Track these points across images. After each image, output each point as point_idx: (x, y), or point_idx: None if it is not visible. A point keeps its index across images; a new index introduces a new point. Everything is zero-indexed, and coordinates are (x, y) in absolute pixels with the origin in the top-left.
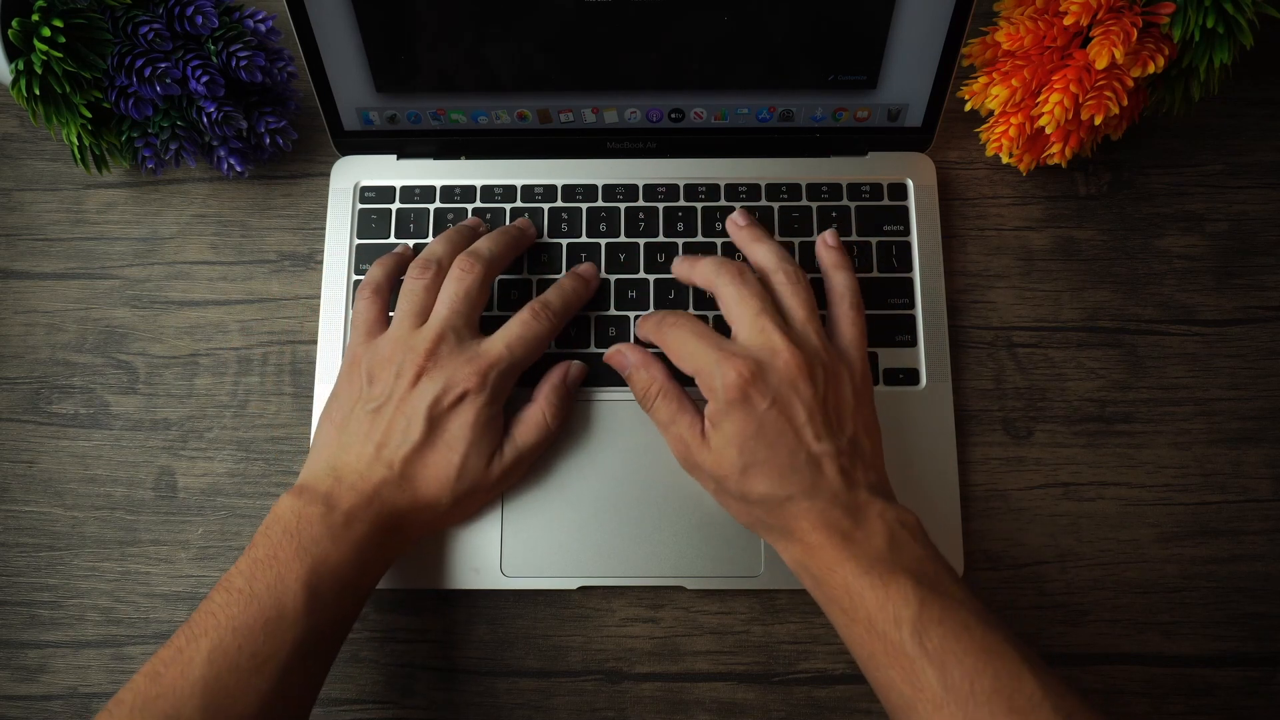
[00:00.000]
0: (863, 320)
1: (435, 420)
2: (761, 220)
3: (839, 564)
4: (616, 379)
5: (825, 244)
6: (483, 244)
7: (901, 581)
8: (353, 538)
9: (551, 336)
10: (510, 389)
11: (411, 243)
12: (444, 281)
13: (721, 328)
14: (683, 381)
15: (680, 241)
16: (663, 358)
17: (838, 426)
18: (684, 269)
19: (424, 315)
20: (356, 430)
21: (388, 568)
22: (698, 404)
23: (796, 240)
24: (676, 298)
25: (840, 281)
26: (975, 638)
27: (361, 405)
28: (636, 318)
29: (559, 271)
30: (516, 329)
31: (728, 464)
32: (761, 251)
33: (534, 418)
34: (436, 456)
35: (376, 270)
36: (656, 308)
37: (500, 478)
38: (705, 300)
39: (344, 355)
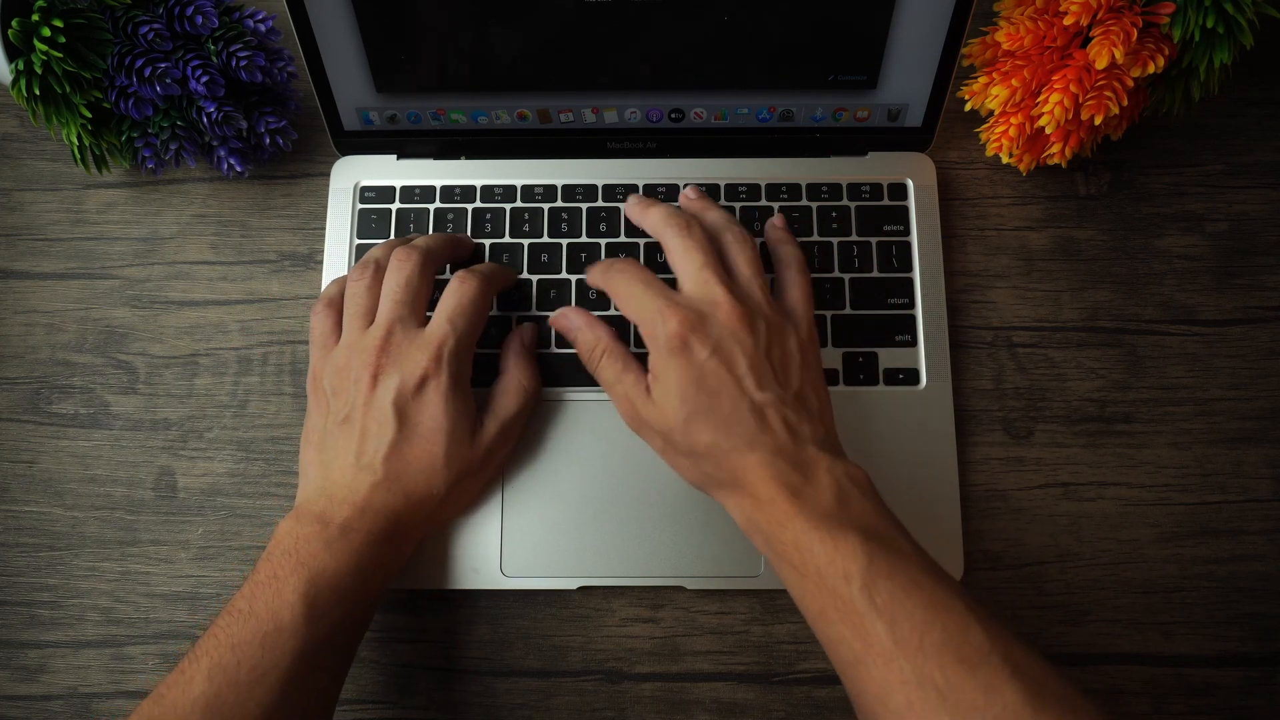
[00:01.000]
0: (809, 284)
1: (404, 413)
2: (762, 220)
3: (788, 519)
4: None
5: (773, 225)
6: (418, 239)
7: (850, 537)
8: (350, 547)
9: (485, 300)
10: (469, 363)
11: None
12: (385, 277)
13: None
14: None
15: None
16: (611, 321)
17: (782, 379)
18: (635, 211)
19: (370, 315)
20: (333, 445)
21: (392, 574)
22: (643, 364)
23: (796, 240)
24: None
25: (787, 252)
26: (924, 591)
27: (332, 420)
28: (585, 260)
29: (559, 272)
30: (450, 300)
31: (671, 415)
32: (712, 215)
33: (510, 385)
34: (417, 449)
35: (331, 286)
36: None
37: (488, 453)
38: None
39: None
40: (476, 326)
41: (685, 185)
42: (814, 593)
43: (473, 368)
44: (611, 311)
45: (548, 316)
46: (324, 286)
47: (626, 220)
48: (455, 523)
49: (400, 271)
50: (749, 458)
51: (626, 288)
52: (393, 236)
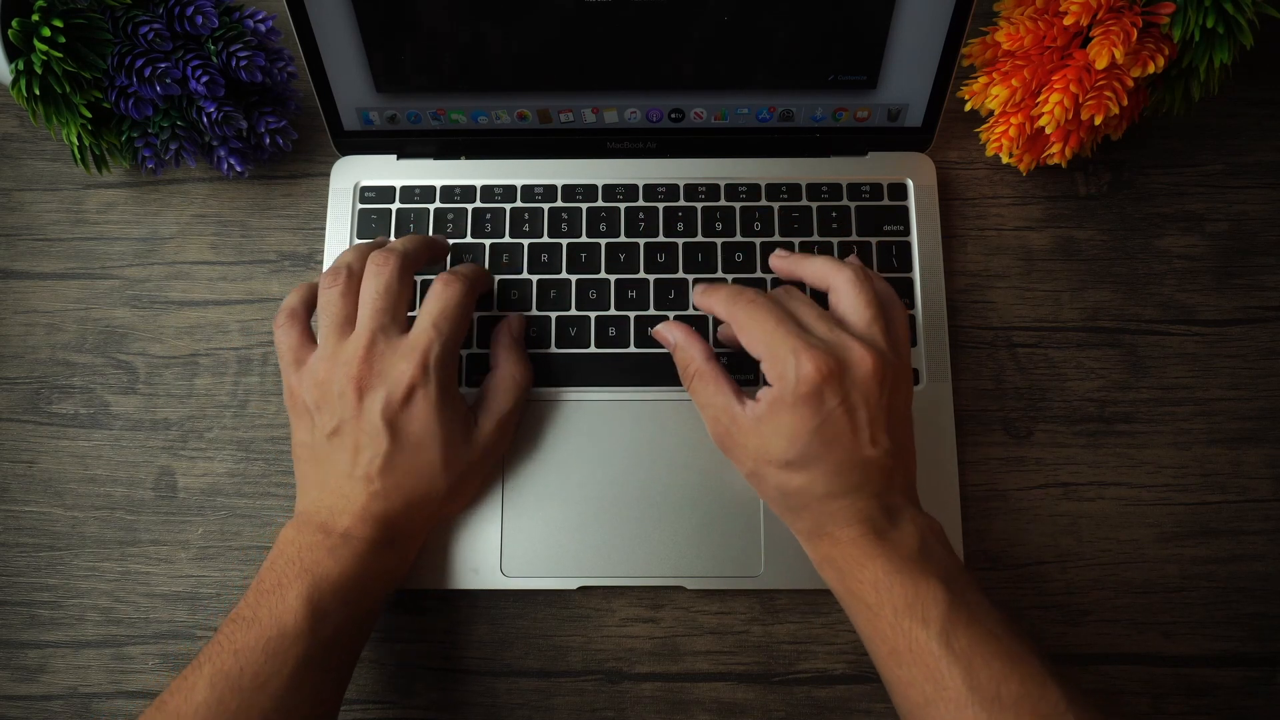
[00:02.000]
0: (907, 321)
1: (395, 425)
2: (761, 220)
3: (869, 559)
4: (617, 379)
5: (853, 265)
6: (393, 241)
7: (932, 582)
8: (352, 552)
9: (469, 302)
10: (455, 366)
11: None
12: (362, 283)
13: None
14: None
15: (680, 241)
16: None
17: (892, 431)
18: (786, 265)
19: (348, 324)
20: (327, 459)
21: (398, 576)
22: (739, 386)
23: (796, 240)
24: (676, 298)
25: (882, 287)
26: (1002, 644)
27: (319, 435)
28: (694, 282)
29: (559, 272)
30: (435, 304)
31: (775, 452)
32: (811, 268)
33: (503, 380)
34: (412, 459)
35: (291, 296)
36: (656, 308)
37: (486, 451)
38: None
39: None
40: (461, 330)
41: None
42: (887, 633)
43: (458, 369)
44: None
45: (549, 316)
46: None
47: (626, 220)
48: (456, 521)
49: (379, 277)
50: (842, 502)
51: (756, 322)
52: (393, 237)
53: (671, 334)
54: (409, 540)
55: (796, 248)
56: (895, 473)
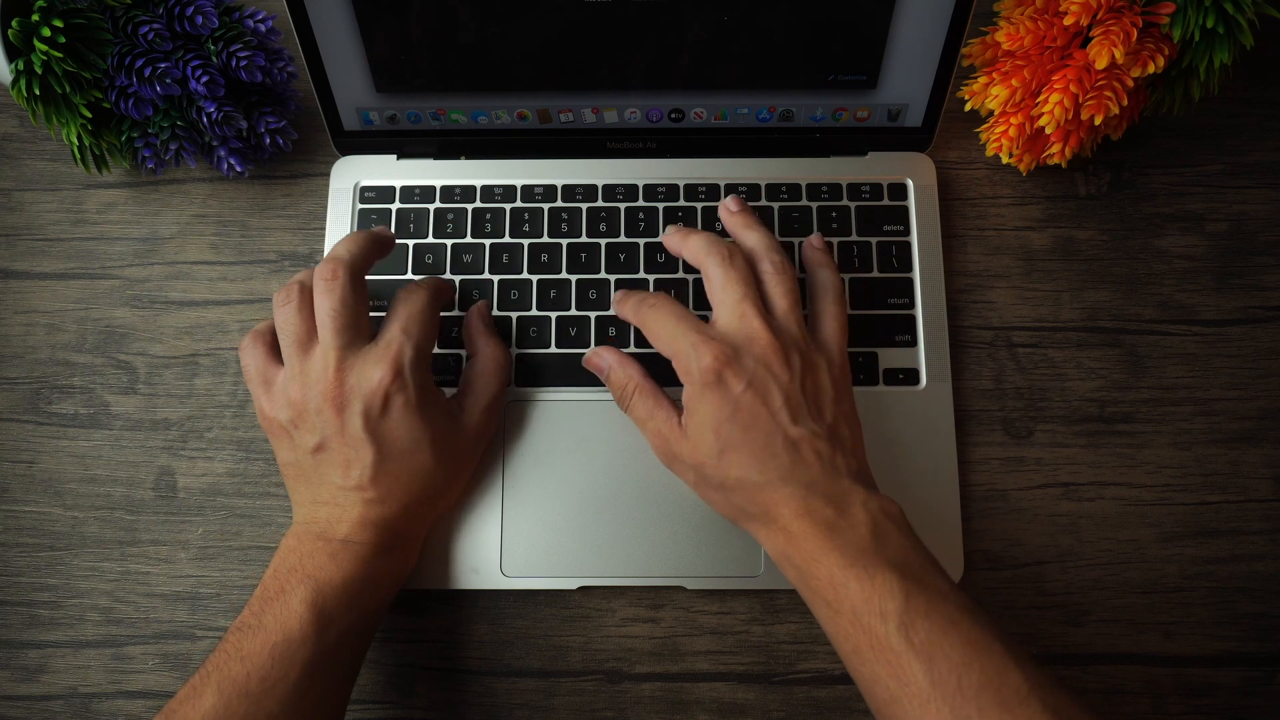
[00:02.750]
0: (845, 316)
1: (378, 435)
2: (761, 220)
3: (823, 555)
4: None
5: (812, 245)
6: (339, 247)
7: (887, 574)
8: (354, 556)
9: (435, 308)
10: (429, 367)
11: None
12: (315, 300)
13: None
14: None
15: None
16: (641, 357)
17: (815, 412)
18: (675, 240)
19: (310, 340)
20: (315, 475)
21: (402, 576)
22: (675, 401)
23: (796, 240)
24: (676, 296)
25: (824, 278)
26: (962, 631)
27: (303, 453)
28: (615, 288)
29: (559, 272)
30: (402, 310)
31: (705, 449)
32: (752, 238)
33: (485, 365)
34: (402, 464)
35: (260, 325)
36: None
37: (478, 436)
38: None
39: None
40: (431, 334)
41: (726, 195)
42: (848, 630)
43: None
44: (634, 347)
45: (549, 316)
46: None
47: (626, 220)
48: (456, 521)
49: (332, 293)
50: (782, 491)
51: (659, 323)
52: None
53: (603, 359)
54: (410, 539)
55: (796, 247)
56: (835, 455)
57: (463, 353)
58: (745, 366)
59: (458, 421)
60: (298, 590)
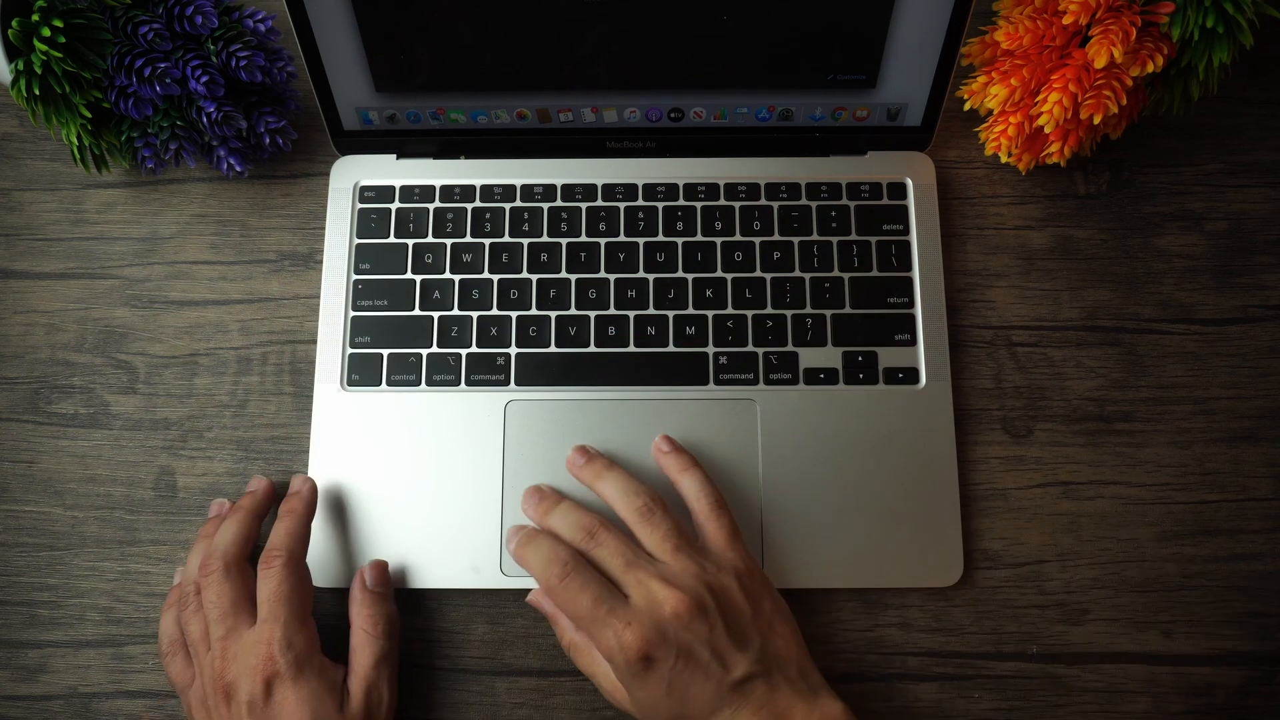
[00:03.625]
0: (728, 517)
1: None
2: (761, 219)
3: None
4: (617, 379)
5: (660, 451)
6: (217, 536)
7: None
8: None
9: (293, 575)
10: (310, 639)
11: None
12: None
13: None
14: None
15: (680, 241)
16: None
17: (741, 644)
18: (534, 514)
19: (207, 638)
20: None
21: None
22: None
23: (796, 239)
24: (675, 297)
25: (691, 486)
26: None
27: None
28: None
29: (559, 271)
30: (263, 592)
31: (651, 716)
32: (606, 489)
33: (357, 640)
34: None
35: (165, 622)
36: (655, 307)
37: (366, 711)
38: (705, 300)
39: None
40: (302, 602)
41: (572, 450)
42: None
43: (316, 639)
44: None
45: (549, 316)
46: (323, 291)
47: (626, 219)
48: (456, 521)
49: (209, 588)
50: (725, 713)
51: (573, 604)
52: (393, 236)
53: (543, 605)
54: None
55: (796, 247)
56: (772, 672)
57: None
58: (670, 642)
59: (341, 699)
60: None
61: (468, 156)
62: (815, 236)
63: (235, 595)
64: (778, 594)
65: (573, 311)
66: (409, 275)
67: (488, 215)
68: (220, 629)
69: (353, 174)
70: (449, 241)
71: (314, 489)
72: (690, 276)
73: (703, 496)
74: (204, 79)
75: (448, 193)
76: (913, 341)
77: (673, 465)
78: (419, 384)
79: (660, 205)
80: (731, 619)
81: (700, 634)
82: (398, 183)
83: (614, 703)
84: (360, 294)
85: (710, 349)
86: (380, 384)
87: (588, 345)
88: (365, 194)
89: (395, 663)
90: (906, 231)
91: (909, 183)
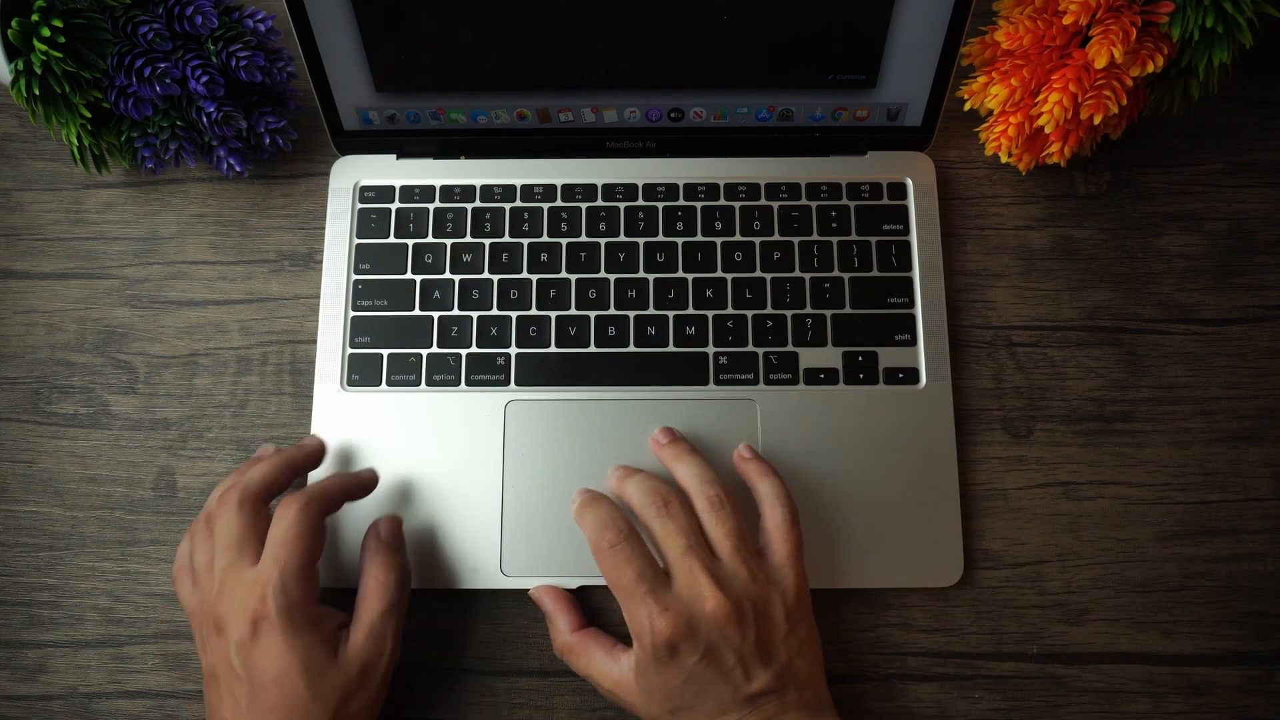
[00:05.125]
0: (798, 533)
1: (249, 664)
2: (761, 219)
3: None
4: (616, 379)
5: (741, 457)
6: (248, 473)
7: None
8: None
9: (311, 521)
10: (306, 589)
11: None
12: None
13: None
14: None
15: (680, 241)
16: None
17: (768, 659)
18: (614, 483)
19: (212, 568)
20: (211, 706)
21: None
22: (614, 637)
23: (796, 240)
24: (675, 297)
25: (765, 491)
26: None
27: (205, 680)
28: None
29: (559, 271)
30: (273, 532)
31: (655, 708)
32: (683, 471)
33: (368, 586)
34: (273, 696)
35: (181, 549)
36: (655, 307)
37: (362, 665)
38: (705, 305)
39: None
40: (305, 551)
41: (657, 429)
42: None
43: (315, 591)
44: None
45: (549, 316)
46: (323, 291)
47: (626, 219)
48: (456, 521)
49: (221, 518)
50: None
51: (616, 573)
52: (393, 236)
53: (542, 602)
54: None
55: (796, 247)
56: (786, 692)
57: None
58: (700, 638)
59: (336, 648)
60: None
61: (468, 156)
62: (815, 236)
63: (245, 530)
64: (814, 621)
65: (573, 311)
66: (409, 275)
67: (488, 215)
68: (224, 559)
69: (353, 174)
70: (449, 241)
71: (372, 479)
72: (690, 276)
73: (778, 504)
74: (204, 79)
75: (448, 193)
76: (913, 341)
77: (754, 470)
78: (419, 384)
79: (660, 205)
80: (764, 633)
81: (732, 640)
82: (398, 183)
83: (613, 702)
84: (360, 294)
85: (710, 349)
86: (380, 384)
87: (588, 345)
88: (365, 194)
89: (402, 617)
90: (906, 231)
91: (909, 183)
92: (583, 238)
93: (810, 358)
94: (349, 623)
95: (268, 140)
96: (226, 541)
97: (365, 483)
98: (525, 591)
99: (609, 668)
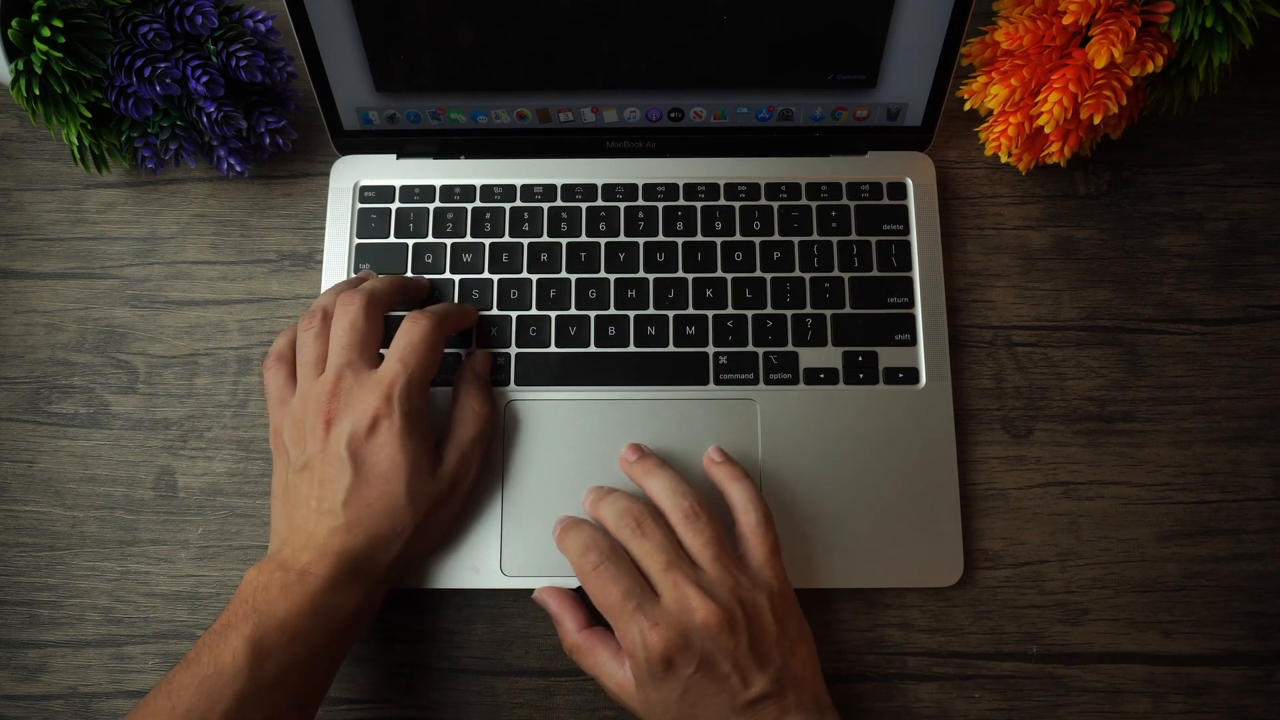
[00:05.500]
0: (773, 534)
1: (359, 457)
2: (761, 219)
3: None
4: (616, 379)
5: (712, 461)
6: (366, 283)
7: None
8: (306, 590)
9: (437, 338)
10: (424, 400)
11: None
12: (332, 321)
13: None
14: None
15: (680, 240)
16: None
17: (763, 662)
18: (588, 504)
19: (321, 363)
20: (295, 494)
21: (355, 617)
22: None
23: (796, 239)
24: (675, 297)
25: (737, 494)
26: None
27: (292, 470)
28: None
29: (559, 271)
30: (401, 339)
31: (658, 718)
32: (654, 486)
33: (464, 412)
34: (375, 491)
35: (279, 339)
36: (655, 307)
37: (452, 482)
38: (704, 301)
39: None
40: (429, 364)
41: (625, 447)
42: None
43: (428, 404)
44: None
45: (549, 315)
46: (323, 288)
47: (626, 219)
48: (456, 521)
49: (345, 315)
50: None
51: (603, 594)
52: (393, 236)
53: (547, 603)
54: (372, 579)
55: (796, 247)
56: (785, 694)
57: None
58: (694, 649)
59: (434, 464)
60: (241, 626)
61: (468, 156)
62: (815, 236)
63: (367, 333)
64: (803, 617)
65: (573, 311)
66: (409, 276)
67: (488, 215)
68: (341, 357)
69: (353, 174)
70: (449, 241)
71: (475, 315)
72: (690, 276)
73: (751, 508)
74: (204, 79)
75: (448, 193)
76: (913, 341)
77: (724, 474)
78: None
79: (660, 205)
80: (757, 636)
81: (725, 647)
82: (398, 183)
83: (618, 703)
84: None
85: (710, 349)
86: None
87: (588, 345)
88: (365, 194)
89: (486, 448)
90: (906, 231)
91: (909, 183)
92: (583, 238)
93: (810, 358)
94: (440, 444)
95: (268, 140)
96: (348, 342)
97: (471, 317)
98: (525, 591)
99: (614, 670)
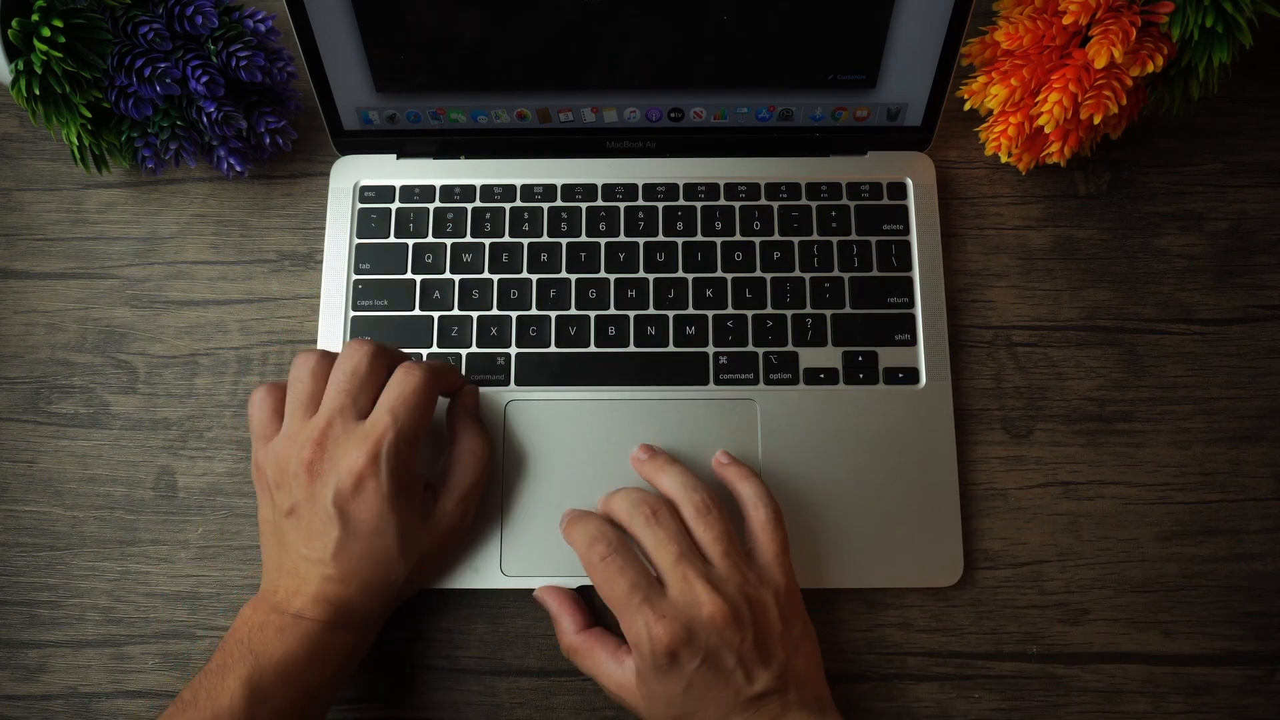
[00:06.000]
0: (783, 532)
1: (346, 513)
2: (761, 219)
3: None
4: (616, 379)
5: (720, 463)
6: (382, 342)
7: None
8: (302, 633)
9: (430, 392)
10: (413, 456)
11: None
12: (334, 364)
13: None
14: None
15: (680, 240)
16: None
17: (768, 659)
18: (601, 502)
19: (313, 404)
20: (285, 538)
21: (351, 657)
22: (617, 636)
23: (796, 239)
24: (675, 297)
25: (746, 493)
26: None
27: (279, 513)
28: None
29: (559, 271)
30: (393, 390)
31: (660, 715)
32: (667, 482)
33: (464, 456)
34: (365, 545)
35: (274, 382)
36: (655, 307)
37: (450, 529)
38: (704, 301)
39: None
40: (421, 419)
41: (637, 447)
42: None
43: (417, 456)
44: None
45: (549, 316)
46: (323, 291)
47: (626, 219)
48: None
49: (349, 360)
50: None
51: (609, 585)
52: (393, 236)
53: (547, 602)
54: (365, 621)
55: (796, 247)
56: (788, 691)
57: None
58: (699, 643)
59: (428, 513)
60: (237, 667)
61: (468, 156)
62: (815, 236)
63: (367, 380)
64: (808, 616)
65: (573, 311)
66: (409, 275)
67: (488, 215)
68: (335, 401)
69: (353, 174)
70: (449, 241)
71: (464, 381)
72: (690, 276)
73: (761, 505)
74: (204, 79)
75: (448, 193)
76: (913, 341)
77: (734, 474)
78: None
79: (660, 205)
80: (762, 633)
81: (731, 642)
82: (398, 183)
83: (618, 702)
84: (360, 294)
85: (710, 349)
86: None
87: (588, 345)
88: (365, 194)
89: (485, 489)
90: (906, 231)
91: (909, 183)
92: (583, 238)
93: (810, 358)
94: (432, 486)
95: (268, 140)
96: (346, 386)
97: (461, 383)
98: (525, 591)
99: (613, 669)
